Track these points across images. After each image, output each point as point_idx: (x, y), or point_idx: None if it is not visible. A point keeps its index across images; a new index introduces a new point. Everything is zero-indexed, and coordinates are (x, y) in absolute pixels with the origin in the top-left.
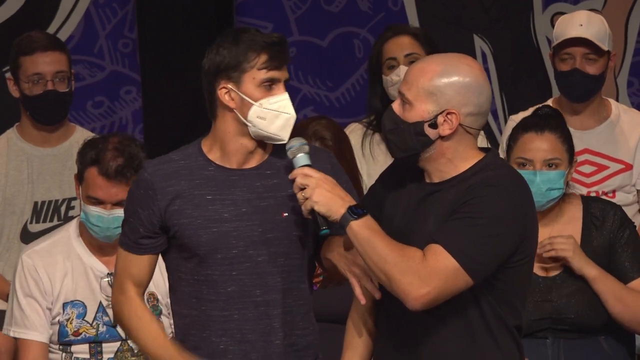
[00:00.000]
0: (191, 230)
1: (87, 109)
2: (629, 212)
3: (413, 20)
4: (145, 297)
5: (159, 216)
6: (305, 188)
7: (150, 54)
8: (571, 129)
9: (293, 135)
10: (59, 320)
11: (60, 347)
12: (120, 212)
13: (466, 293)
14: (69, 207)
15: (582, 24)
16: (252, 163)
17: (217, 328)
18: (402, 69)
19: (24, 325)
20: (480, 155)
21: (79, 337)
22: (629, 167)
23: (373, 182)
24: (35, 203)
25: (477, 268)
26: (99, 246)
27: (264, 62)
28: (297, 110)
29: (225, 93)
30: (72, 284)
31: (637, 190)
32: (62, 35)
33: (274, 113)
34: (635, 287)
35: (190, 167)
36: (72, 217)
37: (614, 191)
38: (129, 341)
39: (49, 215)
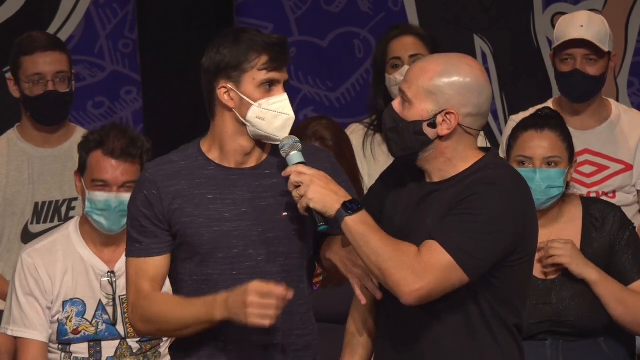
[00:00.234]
0: (193, 229)
1: (87, 110)
2: (629, 212)
3: (413, 20)
4: None
5: (164, 215)
6: (299, 185)
7: (150, 54)
8: (571, 129)
9: (293, 135)
10: (58, 319)
11: (60, 346)
12: (126, 197)
13: (465, 292)
14: (70, 208)
15: (582, 25)
16: (251, 163)
17: (217, 327)
18: (406, 69)
19: (24, 325)
20: (480, 155)
21: (78, 336)
22: (629, 167)
23: (374, 182)
24: (36, 204)
25: (472, 265)
26: (100, 243)
27: (264, 63)
28: (297, 110)
29: (225, 92)
30: (72, 281)
31: (638, 191)
32: (63, 36)
33: (273, 114)
34: (636, 288)
35: (190, 167)
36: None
37: (614, 191)
38: (127, 340)
39: (49, 215)
